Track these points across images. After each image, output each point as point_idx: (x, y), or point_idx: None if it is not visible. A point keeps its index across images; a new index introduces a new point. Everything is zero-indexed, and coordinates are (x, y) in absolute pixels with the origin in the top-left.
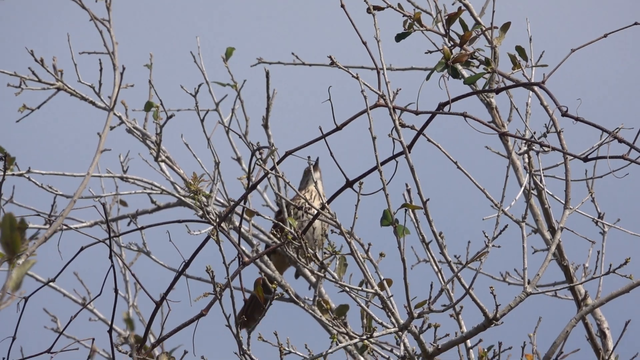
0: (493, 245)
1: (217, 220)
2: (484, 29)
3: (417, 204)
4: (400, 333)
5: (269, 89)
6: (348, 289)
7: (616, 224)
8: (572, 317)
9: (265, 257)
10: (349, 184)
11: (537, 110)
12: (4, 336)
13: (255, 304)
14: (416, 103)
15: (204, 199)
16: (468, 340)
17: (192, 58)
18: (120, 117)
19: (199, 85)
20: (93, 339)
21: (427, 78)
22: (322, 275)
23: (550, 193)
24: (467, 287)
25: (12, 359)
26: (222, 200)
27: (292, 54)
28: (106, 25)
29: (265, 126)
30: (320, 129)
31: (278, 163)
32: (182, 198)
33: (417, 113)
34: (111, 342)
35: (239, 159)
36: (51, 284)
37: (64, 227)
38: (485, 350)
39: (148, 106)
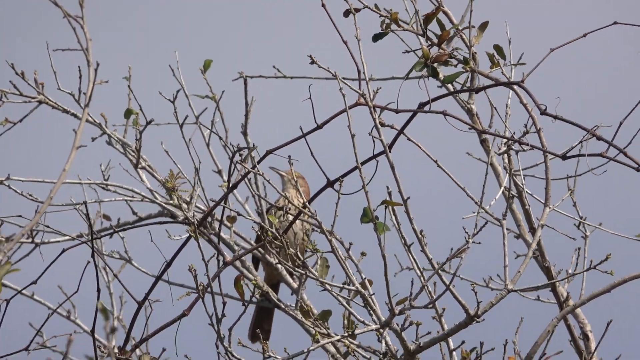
0: (474, 242)
1: (197, 221)
2: (460, 28)
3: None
4: (381, 330)
5: (247, 96)
6: (330, 288)
7: (599, 227)
8: (554, 317)
9: (248, 264)
10: (330, 183)
11: (516, 110)
12: None
13: (262, 315)
14: (396, 102)
15: (180, 198)
16: (451, 342)
17: (170, 72)
18: (100, 126)
19: (177, 91)
20: (70, 334)
21: (406, 77)
22: (304, 273)
23: (530, 193)
24: (448, 284)
25: None
26: (202, 207)
27: (274, 67)
28: (79, 22)
29: (245, 133)
30: (301, 128)
31: (259, 162)
32: (163, 204)
33: (397, 112)
34: (94, 343)
35: (219, 172)
36: (36, 297)
37: (43, 241)
38: (468, 351)
39: (127, 113)
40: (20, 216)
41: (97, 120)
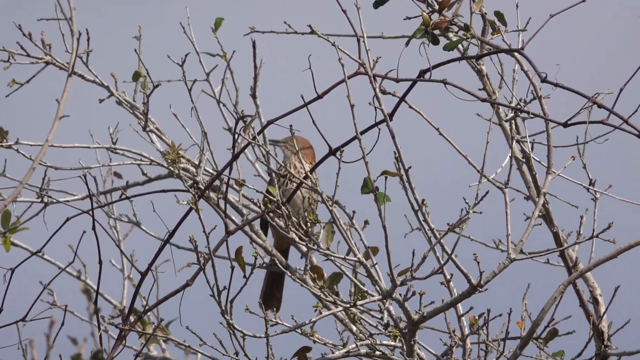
0: (475, 212)
1: (202, 188)
2: None
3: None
4: (384, 301)
5: (257, 58)
6: (333, 258)
7: (606, 192)
8: (560, 283)
9: (257, 228)
10: (332, 152)
11: (523, 75)
12: None
13: (274, 282)
14: (397, 70)
15: (184, 167)
16: (460, 307)
17: (181, 29)
18: (108, 88)
19: (186, 55)
20: (66, 306)
21: (407, 44)
22: (305, 243)
23: (537, 159)
24: (450, 253)
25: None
26: (211, 171)
27: (285, 22)
28: None
29: (254, 96)
30: (302, 97)
31: (259, 132)
32: (172, 168)
33: (397, 81)
34: (96, 311)
35: (229, 129)
36: (47, 257)
37: (53, 200)
38: (477, 317)
39: (136, 76)
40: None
41: (105, 83)
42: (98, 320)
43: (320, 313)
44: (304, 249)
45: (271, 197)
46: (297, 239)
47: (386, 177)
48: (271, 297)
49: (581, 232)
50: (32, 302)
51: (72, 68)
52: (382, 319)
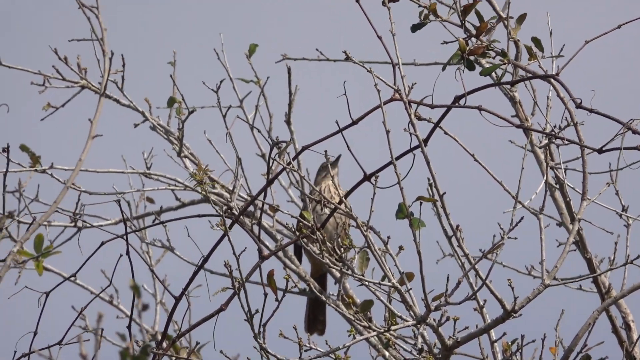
0: (509, 237)
1: (236, 214)
2: (501, 16)
3: (436, 197)
4: (418, 326)
5: (291, 84)
6: (367, 283)
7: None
8: (595, 310)
9: (290, 253)
10: (367, 177)
11: (556, 101)
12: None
13: (316, 306)
14: (432, 96)
15: (218, 193)
16: (493, 333)
17: (215, 55)
18: (143, 114)
19: (221, 81)
20: (102, 329)
21: (443, 69)
22: (340, 268)
23: (572, 186)
24: (484, 278)
25: (34, 348)
26: (245, 196)
27: (317, 49)
28: (94, 12)
29: (288, 122)
30: (337, 123)
31: (294, 158)
32: (205, 194)
33: (432, 107)
34: (130, 336)
35: (263, 155)
36: (79, 281)
37: (86, 224)
38: (509, 343)
39: (171, 102)
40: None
41: (140, 109)
42: (132, 345)
43: (354, 338)
44: (338, 274)
45: (305, 222)
46: (330, 265)
47: (421, 203)
48: (315, 320)
49: (614, 259)
50: (69, 327)
51: (104, 88)
52: (415, 344)
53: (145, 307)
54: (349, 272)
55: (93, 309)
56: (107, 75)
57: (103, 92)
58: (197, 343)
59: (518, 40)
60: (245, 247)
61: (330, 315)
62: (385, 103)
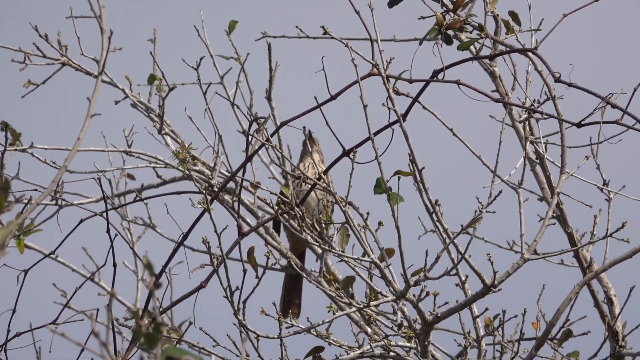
0: (487, 212)
1: (213, 193)
2: None
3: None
4: (397, 301)
5: (272, 61)
6: (347, 259)
7: (620, 192)
8: (576, 284)
9: (271, 230)
10: (346, 153)
11: (535, 76)
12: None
13: (292, 288)
14: (410, 71)
15: (199, 170)
16: (475, 308)
17: (195, 32)
18: (124, 91)
19: (201, 59)
20: (97, 310)
21: (420, 44)
22: (320, 245)
23: (551, 160)
24: (462, 253)
25: (17, 331)
26: (226, 173)
27: (296, 27)
28: None
29: (269, 98)
30: (316, 98)
31: (273, 134)
32: (186, 171)
33: (410, 81)
34: (110, 313)
35: (244, 132)
36: (60, 259)
37: (66, 202)
38: (492, 318)
39: (151, 79)
40: (35, 189)
41: (120, 86)
42: (113, 323)
43: (334, 314)
44: (319, 250)
45: (285, 199)
46: (311, 241)
47: (399, 177)
48: (290, 303)
49: (595, 233)
50: (62, 308)
51: (103, 67)
52: (396, 320)
53: (158, 285)
54: (329, 248)
55: (74, 285)
56: (105, 54)
57: (101, 71)
58: (190, 323)
59: (497, 14)
60: (227, 225)
61: (311, 293)
62: (362, 78)
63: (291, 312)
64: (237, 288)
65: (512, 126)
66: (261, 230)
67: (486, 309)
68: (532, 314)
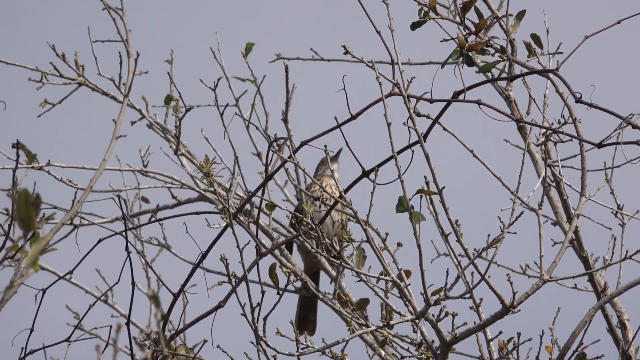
0: (509, 232)
1: (234, 211)
2: (499, 16)
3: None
4: (417, 321)
5: (288, 83)
6: (366, 278)
7: (636, 215)
8: (591, 307)
9: (286, 252)
10: (365, 173)
11: (553, 100)
12: (23, 329)
13: (307, 305)
14: (430, 92)
15: (219, 185)
16: (488, 332)
17: (211, 54)
18: (140, 111)
19: (218, 79)
20: (110, 326)
21: (442, 66)
22: (338, 263)
23: (568, 183)
24: (483, 274)
25: (30, 349)
26: (241, 194)
27: (311, 49)
28: (119, 13)
29: (285, 120)
30: (336, 118)
31: (295, 152)
32: (202, 192)
33: (431, 101)
34: (129, 334)
35: (259, 154)
36: (73, 280)
37: (84, 221)
38: (505, 341)
39: (168, 99)
40: (55, 208)
41: (137, 107)
42: (131, 343)
43: (353, 332)
44: (334, 273)
45: (303, 218)
46: (328, 261)
47: (421, 196)
48: (305, 320)
49: (612, 255)
50: (73, 329)
51: (129, 90)
52: (412, 342)
53: (164, 318)
54: (348, 267)
55: (87, 306)
56: (131, 77)
57: (127, 93)
58: (205, 341)
59: (513, 39)
60: (249, 241)
61: (325, 314)
62: (385, 97)
63: (307, 329)
64: (258, 304)
65: (527, 150)
66: (277, 251)
67: (500, 332)
68: (546, 338)
